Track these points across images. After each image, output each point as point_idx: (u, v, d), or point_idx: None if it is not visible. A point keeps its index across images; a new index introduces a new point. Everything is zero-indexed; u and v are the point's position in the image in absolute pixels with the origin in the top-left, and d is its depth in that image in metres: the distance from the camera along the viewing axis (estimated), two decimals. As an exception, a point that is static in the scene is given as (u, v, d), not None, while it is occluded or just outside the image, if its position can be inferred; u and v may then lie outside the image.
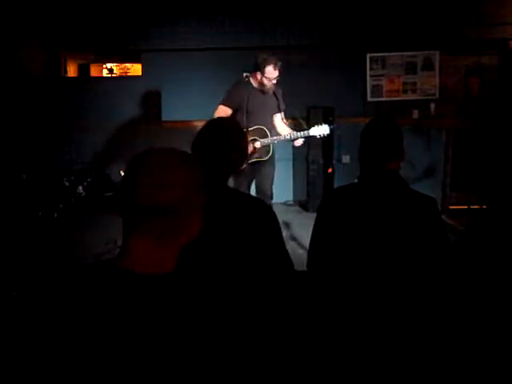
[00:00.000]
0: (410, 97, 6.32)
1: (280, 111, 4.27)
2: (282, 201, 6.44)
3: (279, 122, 4.30)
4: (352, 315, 1.84)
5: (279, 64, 3.99)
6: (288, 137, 4.14)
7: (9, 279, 3.56)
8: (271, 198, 4.38)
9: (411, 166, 5.74)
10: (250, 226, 1.72)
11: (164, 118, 6.37)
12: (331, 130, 4.18)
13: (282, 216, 5.72)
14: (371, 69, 6.31)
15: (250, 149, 4.00)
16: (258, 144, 4.10)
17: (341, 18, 6.12)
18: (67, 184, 5.48)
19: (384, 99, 6.31)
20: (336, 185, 6.17)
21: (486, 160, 5.55)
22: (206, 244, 1.64)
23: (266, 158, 4.16)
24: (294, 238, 5.03)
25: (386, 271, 1.82)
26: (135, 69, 8.13)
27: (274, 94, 4.16)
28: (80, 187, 5.46)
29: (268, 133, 4.12)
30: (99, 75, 8.15)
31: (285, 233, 5.19)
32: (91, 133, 6.29)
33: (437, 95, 6.27)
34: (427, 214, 1.87)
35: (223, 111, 4.02)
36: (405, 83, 6.31)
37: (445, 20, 6.03)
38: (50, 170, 6.18)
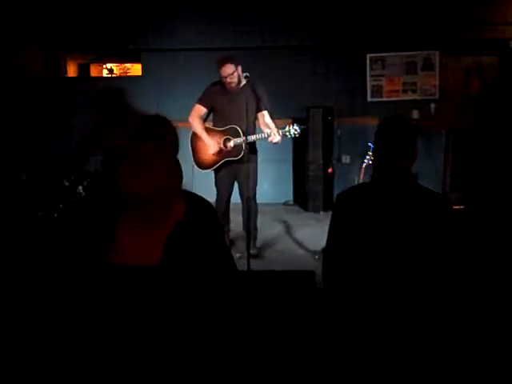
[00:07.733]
0: (410, 97, 6.32)
1: (261, 110, 4.15)
2: (282, 201, 6.44)
3: (263, 121, 4.18)
4: (368, 312, 1.85)
5: (224, 62, 3.92)
6: (259, 136, 4.10)
7: (8, 279, 3.56)
8: (255, 199, 4.34)
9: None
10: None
11: (164, 118, 6.37)
12: (303, 131, 4.16)
13: (282, 216, 5.77)
14: (371, 69, 6.31)
15: (224, 148, 4.13)
16: (231, 143, 4.12)
17: (341, 18, 6.12)
18: (67, 184, 5.47)
19: (384, 99, 6.31)
20: (336, 185, 6.18)
21: (485, 160, 5.55)
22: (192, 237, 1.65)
23: (239, 158, 4.12)
24: (293, 238, 5.03)
25: (401, 270, 1.83)
26: (135, 69, 8.14)
27: (254, 93, 4.01)
28: (80, 187, 5.45)
29: (241, 132, 4.07)
30: (99, 75, 8.15)
31: (285, 232, 5.21)
32: (91, 133, 6.28)
33: (437, 95, 6.27)
34: (440, 212, 1.89)
35: (197, 110, 4.18)
36: (405, 83, 6.31)
37: (445, 20, 6.03)
38: (50, 170, 6.18)
